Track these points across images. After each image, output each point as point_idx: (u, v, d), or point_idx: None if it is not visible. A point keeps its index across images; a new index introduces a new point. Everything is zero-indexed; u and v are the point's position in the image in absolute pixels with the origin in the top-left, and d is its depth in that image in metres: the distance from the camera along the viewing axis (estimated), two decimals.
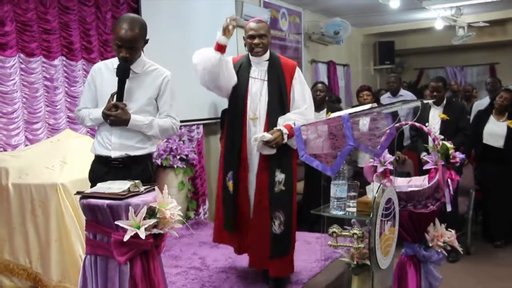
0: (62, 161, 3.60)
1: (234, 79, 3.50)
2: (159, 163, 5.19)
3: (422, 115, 4.53)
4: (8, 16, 4.07)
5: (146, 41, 2.87)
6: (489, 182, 5.14)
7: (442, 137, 2.89)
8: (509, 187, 5.04)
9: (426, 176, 2.92)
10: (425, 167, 2.88)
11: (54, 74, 4.45)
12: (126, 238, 2.19)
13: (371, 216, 2.42)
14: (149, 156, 2.94)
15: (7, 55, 4.07)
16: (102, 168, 2.84)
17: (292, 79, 3.54)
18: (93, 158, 2.95)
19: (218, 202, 3.74)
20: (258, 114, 3.49)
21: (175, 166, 5.17)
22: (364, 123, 2.92)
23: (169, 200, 2.34)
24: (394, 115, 2.88)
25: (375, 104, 2.90)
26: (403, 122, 2.98)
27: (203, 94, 4.79)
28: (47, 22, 4.39)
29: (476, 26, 9.38)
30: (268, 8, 7.50)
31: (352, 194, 2.68)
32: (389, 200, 2.53)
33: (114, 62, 2.89)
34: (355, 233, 2.51)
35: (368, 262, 2.69)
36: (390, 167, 2.82)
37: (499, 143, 5.02)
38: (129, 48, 2.74)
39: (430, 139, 3.17)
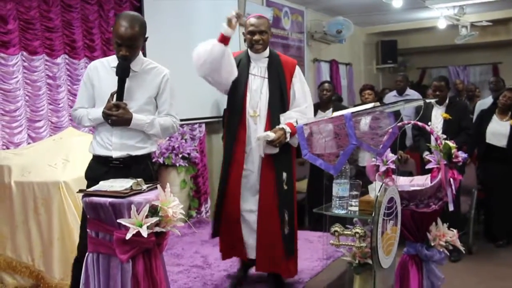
0: (65, 159, 3.61)
1: (235, 73, 3.43)
2: (161, 161, 5.19)
3: (424, 114, 4.51)
4: (11, 14, 4.08)
5: (145, 39, 2.85)
6: (492, 181, 5.13)
7: (445, 136, 2.89)
8: None
9: (429, 176, 2.92)
10: (428, 166, 2.88)
11: (56, 72, 4.46)
12: (128, 236, 2.19)
13: (373, 215, 2.42)
14: (149, 155, 2.94)
15: (10, 53, 4.08)
16: (101, 167, 2.81)
17: (292, 77, 3.50)
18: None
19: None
20: (259, 111, 3.43)
21: (177, 164, 5.18)
22: (365, 122, 2.92)
23: (171, 199, 2.33)
24: (397, 115, 2.87)
25: (377, 103, 2.89)
26: (406, 122, 2.98)
27: (205, 93, 4.80)
28: (50, 20, 4.40)
29: (479, 25, 9.35)
30: (271, 7, 7.50)
31: (354, 193, 2.67)
32: (391, 199, 2.53)
33: (110, 60, 2.87)
34: (357, 232, 2.51)
35: (370, 261, 2.68)
36: (393, 166, 2.82)
37: (502, 142, 5.01)
38: (129, 46, 2.71)
39: (432, 138, 3.16)
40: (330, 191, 2.71)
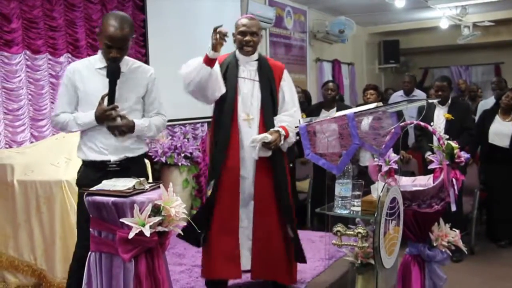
0: (67, 158, 3.61)
1: (222, 90, 3.29)
2: (163, 160, 5.20)
3: (427, 114, 4.52)
4: (15, 13, 4.09)
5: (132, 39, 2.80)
6: (494, 181, 5.13)
7: (447, 136, 2.89)
8: None
9: (431, 176, 2.91)
10: (430, 166, 2.88)
11: (59, 71, 4.46)
12: (131, 235, 2.19)
13: (375, 215, 2.42)
14: (144, 156, 2.92)
15: (13, 52, 4.09)
16: (95, 173, 2.72)
17: (280, 80, 3.43)
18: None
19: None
20: (252, 115, 3.33)
21: (180, 164, 5.18)
22: (368, 122, 2.92)
23: (174, 198, 2.33)
24: (399, 115, 2.87)
25: (380, 103, 2.89)
26: (408, 122, 2.98)
27: None
28: (53, 20, 4.41)
29: (481, 25, 9.36)
30: (274, 6, 7.50)
31: (357, 193, 2.67)
32: (393, 199, 2.53)
33: (93, 61, 2.78)
34: (360, 232, 2.51)
35: (372, 261, 2.69)
36: (395, 166, 2.82)
37: (504, 142, 5.00)
38: (120, 48, 2.66)
39: (435, 138, 3.16)
40: (332, 191, 2.71)
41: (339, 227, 2.55)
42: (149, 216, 2.24)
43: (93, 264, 2.42)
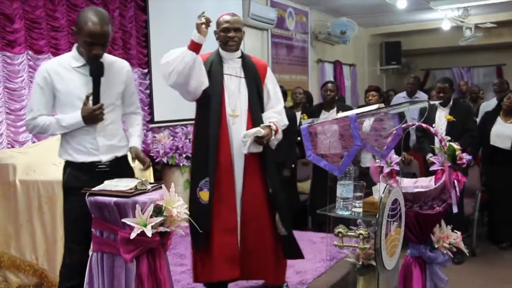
0: None
1: (206, 83, 3.22)
2: (165, 161, 5.21)
3: (428, 116, 4.52)
4: (17, 13, 4.10)
5: None
6: (496, 183, 5.12)
7: (449, 138, 2.89)
8: None
9: (433, 177, 2.91)
10: (432, 168, 2.88)
11: None
12: (132, 235, 2.20)
13: (377, 216, 2.42)
14: (127, 155, 2.87)
15: (15, 52, 4.10)
16: (83, 175, 2.65)
17: (264, 78, 3.40)
18: None
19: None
20: (239, 111, 3.28)
21: (181, 164, 5.19)
22: (370, 123, 2.92)
23: (175, 198, 2.33)
24: (401, 116, 2.87)
25: (382, 105, 2.89)
26: (410, 123, 2.98)
27: None
28: (56, 20, 4.42)
29: (483, 27, 9.36)
30: (275, 7, 7.51)
31: (358, 194, 2.67)
32: (395, 201, 2.53)
33: (67, 60, 2.67)
34: (361, 234, 2.51)
35: (373, 263, 2.69)
36: (397, 167, 2.82)
37: (506, 144, 5.00)
38: (102, 44, 2.59)
39: (436, 140, 3.16)
40: (334, 192, 2.71)
41: (340, 228, 2.55)
42: (151, 217, 2.24)
43: (95, 264, 2.42)
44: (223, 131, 3.23)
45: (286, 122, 3.45)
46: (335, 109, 5.42)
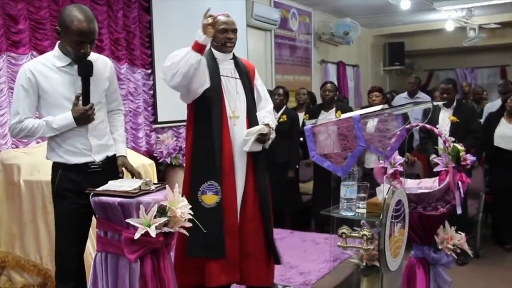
0: None
1: (207, 83, 3.16)
2: (168, 161, 5.21)
3: (432, 117, 4.52)
4: (22, 14, 4.11)
5: None
6: (500, 184, 5.11)
7: (453, 139, 2.89)
8: None
9: (437, 178, 2.92)
10: (436, 169, 2.88)
11: None
12: (136, 236, 2.20)
13: (381, 217, 2.42)
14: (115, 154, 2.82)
15: (20, 52, 4.11)
16: (76, 176, 2.60)
17: (254, 79, 3.39)
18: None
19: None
20: (239, 112, 3.24)
21: (184, 164, 5.19)
22: (373, 124, 2.92)
23: (179, 199, 2.34)
24: (405, 117, 2.87)
25: (385, 105, 2.89)
26: (414, 124, 2.98)
27: None
28: None
29: (487, 27, 9.34)
30: (279, 8, 7.52)
31: (362, 195, 2.67)
32: (399, 202, 2.53)
33: (50, 59, 2.57)
34: (365, 234, 2.51)
35: (377, 264, 2.69)
36: (400, 168, 2.82)
37: (510, 145, 4.99)
38: (91, 42, 2.53)
39: (440, 141, 3.16)
40: (337, 193, 2.71)
41: (344, 229, 2.55)
42: (155, 217, 2.25)
43: (99, 264, 2.43)
44: (225, 133, 3.17)
45: (276, 123, 3.45)
46: (334, 109, 5.45)
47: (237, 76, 3.29)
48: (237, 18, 3.30)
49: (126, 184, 2.46)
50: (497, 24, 9.28)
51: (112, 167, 2.73)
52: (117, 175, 2.70)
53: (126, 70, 5.15)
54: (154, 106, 5.50)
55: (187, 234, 2.41)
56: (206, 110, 3.16)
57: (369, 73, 10.98)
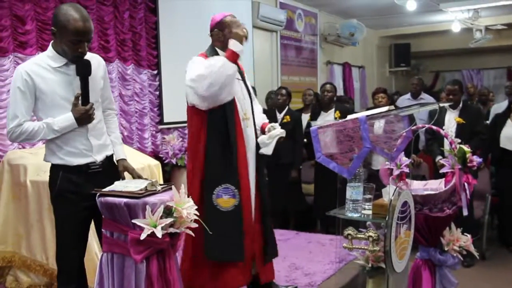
0: None
1: (233, 93, 3.12)
2: (174, 162, 5.22)
3: (438, 118, 4.51)
4: (29, 15, 4.13)
5: None
6: (506, 186, 5.09)
7: (459, 140, 2.88)
8: None
9: (443, 180, 2.91)
10: (442, 170, 2.87)
11: None
12: (143, 236, 2.21)
13: (387, 219, 2.41)
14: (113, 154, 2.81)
15: (27, 53, 4.13)
16: (77, 177, 2.58)
17: (246, 79, 3.39)
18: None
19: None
20: (249, 114, 3.26)
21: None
22: (380, 125, 2.92)
23: (185, 200, 2.34)
24: (411, 118, 2.86)
25: (392, 107, 2.88)
26: (420, 125, 2.97)
27: None
28: None
29: (494, 29, 9.31)
30: (285, 9, 7.52)
31: (368, 196, 2.66)
32: (405, 203, 2.53)
33: (45, 60, 2.53)
34: (371, 236, 2.50)
35: (383, 265, 2.68)
36: (406, 170, 2.81)
37: None
38: (88, 41, 2.50)
39: (446, 142, 3.15)
40: (343, 194, 2.71)
41: (350, 231, 2.54)
42: (161, 218, 2.25)
43: (105, 265, 2.43)
44: (239, 135, 3.16)
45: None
46: (333, 109, 5.47)
47: (240, 77, 3.28)
48: (243, 19, 3.30)
49: (132, 184, 2.47)
50: (504, 25, 9.25)
51: (111, 166, 2.73)
52: (117, 174, 2.71)
53: (132, 71, 5.17)
54: (160, 106, 5.52)
55: (193, 234, 2.41)
56: (220, 113, 3.09)
57: (375, 74, 10.96)
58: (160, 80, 5.47)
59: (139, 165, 3.94)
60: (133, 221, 2.27)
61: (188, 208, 2.33)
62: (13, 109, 2.49)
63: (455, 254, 2.87)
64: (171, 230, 2.30)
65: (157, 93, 5.49)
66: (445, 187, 2.79)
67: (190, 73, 3.01)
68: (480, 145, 4.70)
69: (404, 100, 7.00)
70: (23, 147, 4.08)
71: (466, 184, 2.77)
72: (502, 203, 5.20)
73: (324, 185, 5.25)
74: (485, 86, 10.52)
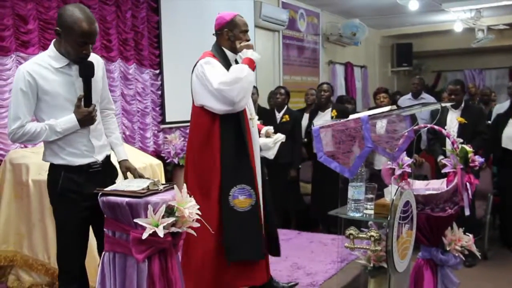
0: None
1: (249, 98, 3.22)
2: (176, 162, 5.23)
3: (440, 118, 4.51)
4: (31, 14, 4.14)
5: None
6: (507, 186, 5.08)
7: (461, 140, 2.88)
8: None
9: (445, 180, 2.91)
10: (444, 170, 2.87)
11: None
12: (144, 236, 2.21)
13: (388, 218, 2.41)
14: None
15: (29, 52, 4.12)
16: (79, 177, 2.57)
17: None
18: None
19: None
20: (254, 114, 3.30)
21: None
22: (382, 125, 2.92)
23: (187, 199, 2.34)
24: (413, 118, 2.86)
25: (394, 106, 2.88)
26: (422, 125, 2.97)
27: None
28: None
29: (496, 29, 9.29)
30: (287, 8, 7.51)
31: (370, 196, 2.67)
32: (407, 203, 2.53)
33: (45, 60, 2.51)
34: (372, 236, 2.50)
35: (384, 265, 2.68)
36: (408, 169, 2.81)
37: None
38: (93, 43, 2.51)
39: (448, 142, 3.15)
40: (344, 194, 2.71)
41: (351, 230, 2.54)
42: (163, 217, 2.26)
43: (107, 264, 2.44)
44: (249, 135, 3.18)
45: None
46: (330, 109, 5.50)
47: None
48: (245, 18, 3.31)
49: (134, 184, 2.47)
50: (506, 25, 9.22)
51: (110, 165, 2.74)
52: (115, 173, 2.72)
53: (134, 71, 5.17)
54: (162, 106, 5.52)
55: (194, 234, 2.41)
56: (233, 114, 3.10)
57: (377, 74, 10.95)
58: (162, 80, 5.47)
59: (141, 164, 3.95)
60: (135, 220, 2.27)
61: (190, 208, 2.33)
62: (15, 110, 2.46)
63: (457, 254, 2.87)
64: (173, 229, 2.30)
65: (159, 92, 5.50)
66: (447, 187, 2.79)
67: (217, 76, 3.02)
68: (482, 145, 4.70)
69: (405, 100, 7.00)
70: (25, 146, 4.08)
71: (468, 184, 2.76)
72: (504, 203, 5.19)
73: (321, 185, 5.27)
74: (487, 86, 10.50)
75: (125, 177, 2.74)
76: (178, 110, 5.51)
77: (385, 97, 5.53)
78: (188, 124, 3.28)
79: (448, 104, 4.70)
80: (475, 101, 8.06)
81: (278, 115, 5.62)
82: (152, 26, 5.38)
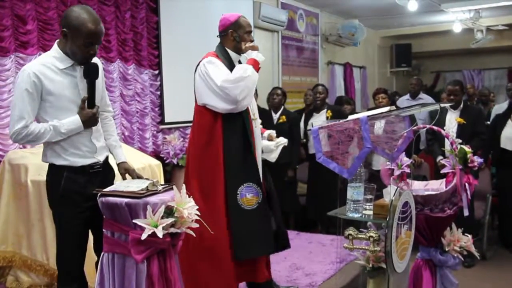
0: None
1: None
2: (175, 162, 5.22)
3: (439, 118, 4.50)
4: (30, 14, 4.13)
5: None
6: (506, 186, 5.09)
7: (460, 141, 2.88)
8: None
9: (443, 180, 2.91)
10: (443, 171, 2.88)
11: None
12: (143, 236, 2.21)
13: (387, 219, 2.41)
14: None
15: (28, 53, 4.12)
16: (81, 177, 2.58)
17: None
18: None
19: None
20: (256, 114, 3.32)
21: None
22: (380, 125, 2.92)
23: (186, 200, 2.35)
24: (412, 119, 2.87)
25: (393, 107, 2.88)
26: (421, 126, 2.97)
27: None
28: None
29: (495, 29, 9.30)
30: (286, 9, 7.52)
31: (369, 196, 2.67)
32: (406, 204, 2.53)
33: (50, 61, 2.50)
34: (371, 236, 2.51)
35: (383, 265, 2.69)
36: (407, 170, 2.81)
37: None
38: (99, 43, 2.53)
39: (446, 142, 3.15)
40: (343, 194, 2.71)
41: (350, 231, 2.55)
42: (162, 218, 2.25)
43: (106, 265, 2.43)
44: (252, 135, 3.19)
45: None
46: (325, 110, 5.53)
47: None
48: None
49: (133, 184, 2.47)
50: (505, 25, 9.24)
51: (108, 166, 2.75)
52: (112, 173, 2.73)
53: (133, 71, 5.17)
54: (161, 106, 5.52)
55: (194, 234, 2.41)
56: (236, 113, 3.12)
57: (376, 74, 10.95)
58: (161, 80, 5.47)
59: (140, 165, 3.95)
60: (134, 221, 2.27)
61: (189, 208, 2.33)
62: (20, 110, 2.44)
63: (455, 255, 2.87)
64: (172, 230, 2.30)
65: (158, 93, 5.49)
66: (446, 187, 2.79)
67: (220, 74, 3.04)
68: (481, 146, 4.70)
69: (403, 101, 7.01)
70: (24, 147, 4.08)
71: (467, 184, 2.77)
72: (503, 203, 5.20)
73: (316, 186, 5.28)
74: (486, 86, 10.51)
75: (124, 179, 2.75)
76: (177, 110, 5.50)
77: (384, 97, 5.55)
78: (188, 124, 3.29)
79: (447, 105, 4.70)
80: (473, 101, 8.07)
81: (275, 116, 5.63)
82: (151, 26, 5.38)
